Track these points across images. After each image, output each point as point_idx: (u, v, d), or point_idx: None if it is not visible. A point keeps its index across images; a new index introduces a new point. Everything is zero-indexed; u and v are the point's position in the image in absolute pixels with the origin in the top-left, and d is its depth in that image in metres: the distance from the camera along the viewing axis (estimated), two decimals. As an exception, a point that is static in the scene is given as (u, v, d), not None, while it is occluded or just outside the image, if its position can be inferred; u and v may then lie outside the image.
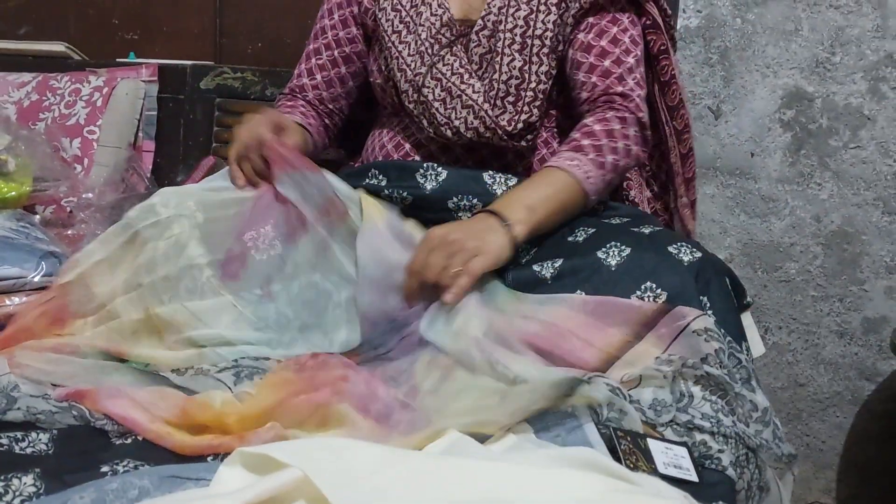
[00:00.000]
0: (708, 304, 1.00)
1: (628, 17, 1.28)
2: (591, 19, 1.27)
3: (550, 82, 1.27)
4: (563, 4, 1.26)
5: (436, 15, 1.29)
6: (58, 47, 1.94)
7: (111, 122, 1.79)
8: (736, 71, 1.87)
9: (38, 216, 1.68)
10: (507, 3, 1.26)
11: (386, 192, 1.23)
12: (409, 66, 1.29)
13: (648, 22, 1.32)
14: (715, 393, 0.90)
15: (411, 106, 1.29)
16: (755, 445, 0.89)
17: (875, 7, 1.82)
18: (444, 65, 1.27)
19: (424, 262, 1.05)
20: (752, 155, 1.91)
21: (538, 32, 1.25)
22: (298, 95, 1.43)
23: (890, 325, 1.91)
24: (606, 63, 1.24)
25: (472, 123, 1.25)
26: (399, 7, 1.33)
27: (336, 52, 1.40)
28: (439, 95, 1.26)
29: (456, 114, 1.25)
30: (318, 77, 1.41)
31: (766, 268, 1.94)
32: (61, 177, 1.69)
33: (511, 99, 1.25)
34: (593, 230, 1.12)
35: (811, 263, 1.92)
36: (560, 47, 1.28)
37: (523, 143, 1.27)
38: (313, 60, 1.42)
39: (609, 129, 1.20)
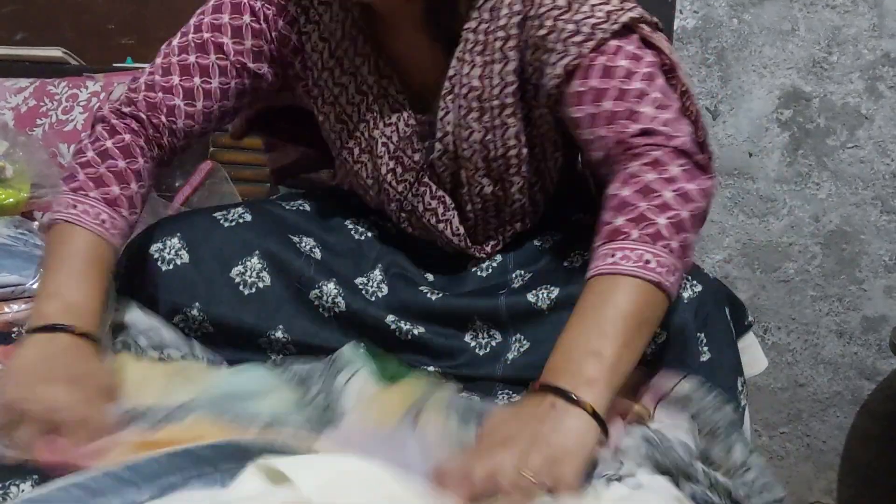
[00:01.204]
0: (705, 340, 0.98)
1: (615, 42, 0.97)
2: (572, 76, 0.98)
3: (537, 187, 1.13)
4: (524, 97, 1.04)
5: (391, 125, 1.10)
6: (54, 53, 1.94)
7: (108, 127, 1.79)
8: (733, 71, 1.88)
9: (36, 223, 1.68)
10: (458, 121, 1.06)
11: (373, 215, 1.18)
12: (371, 189, 1.15)
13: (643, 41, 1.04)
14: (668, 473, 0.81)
15: (380, 207, 1.17)
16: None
17: (871, 6, 1.82)
18: (414, 196, 1.12)
19: (490, 473, 0.75)
20: (750, 155, 1.91)
21: (500, 153, 1.07)
22: (146, 117, 1.07)
23: (889, 325, 1.91)
24: (606, 105, 0.95)
25: (457, 250, 1.16)
26: (345, 118, 1.13)
27: (234, 83, 1.09)
28: (417, 227, 1.15)
29: (439, 242, 1.17)
30: (199, 105, 1.08)
31: (765, 268, 1.94)
32: (59, 183, 1.69)
33: (492, 220, 1.15)
34: (588, 254, 1.00)
35: (810, 263, 1.92)
36: (558, 128, 1.08)
37: (495, 246, 1.17)
38: (197, 80, 1.08)
39: (642, 186, 0.90)
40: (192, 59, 1.08)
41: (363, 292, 1.10)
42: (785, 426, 1.99)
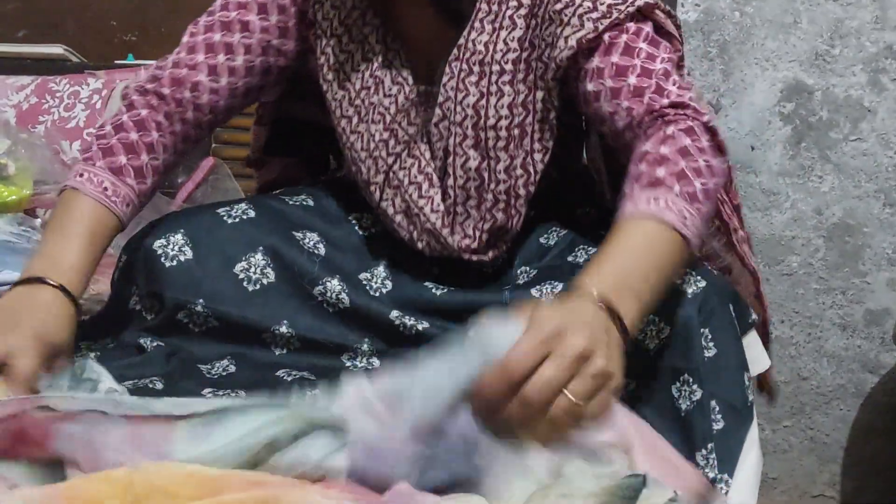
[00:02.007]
0: (710, 336, 0.98)
1: (634, 25, 1.00)
2: (591, 53, 1.00)
3: (519, 174, 1.08)
4: (525, 72, 1.04)
5: (390, 96, 1.09)
6: (56, 50, 1.95)
7: (110, 124, 1.79)
8: (735, 64, 1.87)
9: (38, 220, 1.68)
10: (457, 84, 1.05)
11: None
12: (363, 163, 1.11)
13: (657, 27, 1.06)
14: None
15: (374, 207, 1.14)
16: None
17: (874, -2, 1.82)
18: (401, 169, 1.09)
19: (530, 368, 0.71)
20: (753, 148, 1.90)
21: (490, 122, 1.04)
22: (170, 93, 1.09)
23: (892, 318, 1.91)
24: (632, 80, 0.96)
25: (435, 247, 1.10)
26: (348, 86, 1.11)
27: (258, 60, 1.12)
28: (399, 207, 1.11)
29: (417, 234, 1.11)
30: (224, 81, 1.10)
31: (768, 261, 1.93)
32: (61, 180, 1.69)
33: (472, 203, 1.09)
34: (594, 250, 1.04)
35: (813, 256, 1.92)
36: (547, 119, 1.07)
37: (498, 250, 1.12)
38: (221, 58, 1.10)
39: (681, 146, 0.90)
40: (217, 37, 1.10)
41: (367, 288, 1.10)
42: (788, 419, 1.99)
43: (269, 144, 1.36)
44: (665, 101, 0.95)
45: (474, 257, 1.11)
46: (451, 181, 1.09)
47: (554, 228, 1.16)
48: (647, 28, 1.00)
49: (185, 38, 1.12)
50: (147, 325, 1.07)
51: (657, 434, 0.87)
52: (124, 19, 2.02)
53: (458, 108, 1.06)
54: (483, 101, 1.05)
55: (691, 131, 0.93)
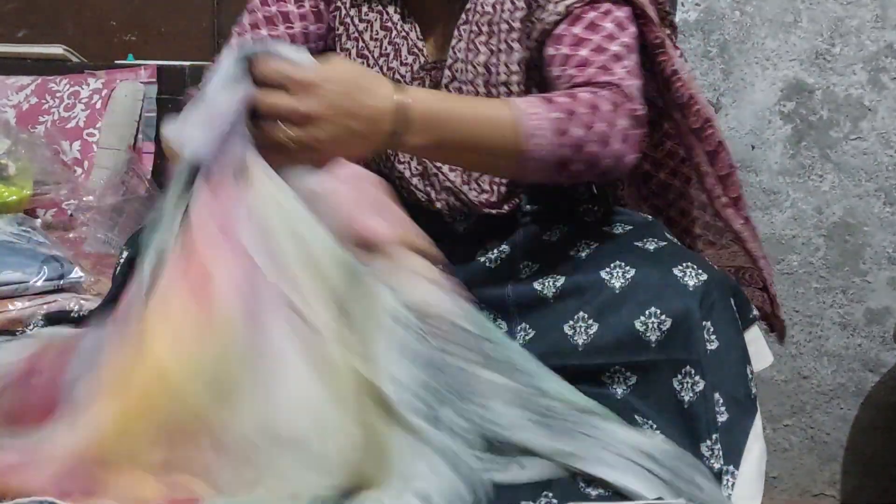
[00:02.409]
0: (712, 329, 0.98)
1: (608, 5, 1.05)
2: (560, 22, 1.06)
3: None
4: (525, 35, 1.08)
5: (406, 64, 1.13)
6: (56, 50, 1.94)
7: (111, 124, 1.80)
8: (735, 64, 1.87)
9: (39, 220, 1.68)
10: (467, 45, 1.10)
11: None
12: None
13: (637, 12, 1.10)
14: None
15: (386, 171, 1.15)
16: None
17: (874, -3, 1.82)
18: None
19: (286, 95, 0.89)
20: (753, 147, 1.90)
21: (501, 79, 1.09)
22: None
23: (893, 316, 1.91)
24: (583, 52, 1.02)
25: (454, 203, 1.13)
26: (366, 52, 1.16)
27: (298, 27, 1.17)
28: (416, 170, 1.13)
29: (435, 193, 1.13)
30: (281, 28, 1.15)
31: (769, 260, 1.93)
32: (62, 180, 1.70)
33: None
34: (596, 244, 1.07)
35: (813, 255, 1.92)
36: (532, 79, 1.11)
37: (516, 201, 1.14)
38: (274, 7, 1.15)
39: (595, 103, 0.97)
40: (263, 31, 1.15)
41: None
42: (789, 418, 1.99)
43: None
44: (605, 79, 1.00)
45: (493, 210, 1.13)
46: None
47: (556, 225, 1.16)
48: (621, 13, 1.05)
49: (234, 41, 1.16)
50: None
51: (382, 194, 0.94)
52: (124, 19, 2.01)
53: (469, 67, 1.10)
54: (493, 59, 1.09)
55: (617, 107, 0.98)
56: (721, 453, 0.95)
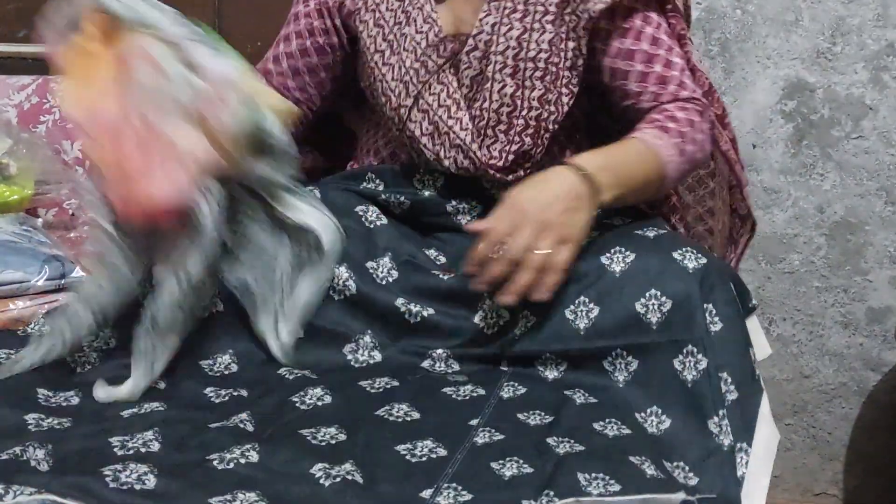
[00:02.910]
0: (714, 311, 0.99)
1: (656, 12, 1.19)
2: (620, 23, 1.17)
3: (551, 109, 1.18)
4: (562, 20, 1.16)
5: (421, 32, 1.19)
6: (57, 50, 1.94)
7: (112, 123, 1.79)
8: (736, 62, 1.87)
9: (40, 219, 1.68)
10: (500, 20, 1.16)
11: (383, 196, 1.20)
12: (392, 92, 1.20)
13: (669, 7, 1.22)
14: None
15: (397, 133, 1.22)
16: None
17: (875, -4, 1.82)
18: (430, 94, 1.18)
19: (506, 234, 0.99)
20: (754, 146, 1.90)
21: (531, 55, 1.16)
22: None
23: (894, 315, 1.91)
24: (658, 68, 1.17)
25: (463, 163, 1.18)
26: (382, 23, 1.22)
27: (308, 42, 1.27)
28: (426, 129, 1.19)
29: (445, 151, 1.18)
30: (285, 65, 1.29)
31: (770, 259, 1.93)
32: (63, 179, 1.69)
33: (502, 128, 1.18)
34: (596, 232, 1.09)
35: (815, 254, 1.92)
36: (575, 66, 1.18)
37: (521, 173, 1.18)
38: (282, 47, 1.29)
39: (691, 119, 1.15)
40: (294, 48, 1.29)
41: (374, 276, 1.11)
42: (790, 418, 1.99)
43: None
44: (686, 94, 1.17)
45: (497, 175, 1.17)
46: (485, 104, 1.18)
47: None
48: (665, 22, 1.19)
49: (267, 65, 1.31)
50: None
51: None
52: (125, 19, 2.01)
53: (501, 39, 1.16)
54: (526, 35, 1.16)
55: (702, 115, 1.18)
56: (730, 429, 0.95)
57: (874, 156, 1.87)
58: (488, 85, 1.17)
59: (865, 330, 1.93)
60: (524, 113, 1.17)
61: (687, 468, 0.92)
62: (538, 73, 1.17)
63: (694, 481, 0.90)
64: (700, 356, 0.97)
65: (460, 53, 1.18)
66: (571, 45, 1.17)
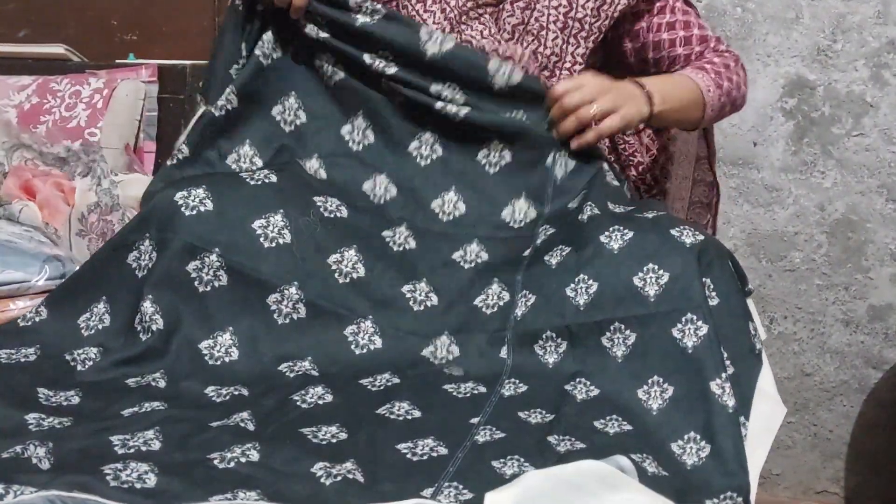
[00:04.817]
0: (712, 286, 1.00)
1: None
2: (649, 5, 1.31)
3: (580, 69, 1.29)
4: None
5: None
6: (57, 49, 1.94)
7: (112, 123, 1.79)
8: (737, 60, 1.87)
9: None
10: None
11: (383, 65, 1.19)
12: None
13: None
14: None
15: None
16: None
17: (876, -7, 1.82)
18: (472, 31, 1.28)
19: (569, 91, 1.14)
20: (755, 144, 1.90)
21: (579, 15, 1.27)
22: None
23: (896, 313, 1.91)
24: (695, 31, 1.32)
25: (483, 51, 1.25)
26: None
27: None
28: (454, 47, 1.21)
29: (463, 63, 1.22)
30: None
31: (771, 257, 1.93)
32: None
33: (546, 73, 1.28)
34: (598, 212, 1.11)
35: (816, 252, 1.92)
36: (595, 37, 1.29)
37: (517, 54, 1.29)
38: None
39: (726, 63, 1.30)
40: None
41: (388, 247, 1.13)
42: (792, 415, 1.99)
43: None
44: (722, 48, 1.33)
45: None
46: (541, 48, 1.28)
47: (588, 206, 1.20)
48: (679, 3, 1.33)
49: None
50: (149, 281, 1.05)
51: None
52: (125, 19, 2.01)
53: (551, 11, 1.27)
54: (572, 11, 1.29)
55: (737, 61, 1.33)
56: (731, 392, 0.94)
57: (875, 153, 1.86)
58: (544, 33, 1.28)
59: (866, 327, 1.93)
60: (567, 66, 1.29)
61: (697, 437, 0.92)
62: (583, 34, 1.28)
63: (706, 450, 0.90)
64: (700, 322, 0.97)
65: (504, 3, 1.27)
66: (606, 21, 1.30)
